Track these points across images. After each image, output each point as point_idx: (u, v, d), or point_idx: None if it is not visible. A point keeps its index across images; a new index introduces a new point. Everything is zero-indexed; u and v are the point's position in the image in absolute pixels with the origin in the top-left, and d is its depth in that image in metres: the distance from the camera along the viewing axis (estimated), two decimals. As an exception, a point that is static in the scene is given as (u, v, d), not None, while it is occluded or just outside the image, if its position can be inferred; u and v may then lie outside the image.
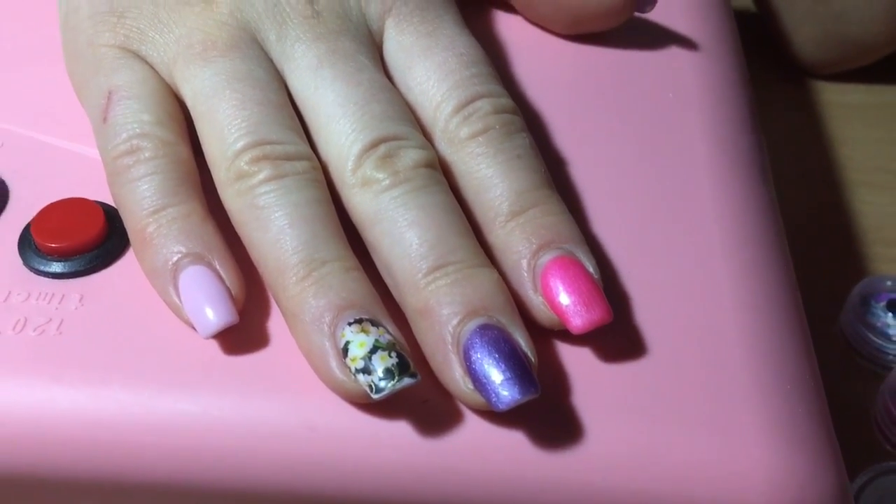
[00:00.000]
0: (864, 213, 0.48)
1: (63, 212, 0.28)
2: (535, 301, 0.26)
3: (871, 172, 0.50)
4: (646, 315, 0.27)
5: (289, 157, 0.27)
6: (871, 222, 0.47)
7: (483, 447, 0.24)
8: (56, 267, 0.27)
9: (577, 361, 0.26)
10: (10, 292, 0.27)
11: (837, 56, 0.52)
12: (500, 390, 0.23)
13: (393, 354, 0.24)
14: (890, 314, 0.42)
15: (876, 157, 0.51)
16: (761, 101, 0.41)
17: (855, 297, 0.42)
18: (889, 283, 0.43)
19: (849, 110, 0.54)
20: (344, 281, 0.25)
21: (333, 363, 0.24)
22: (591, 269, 0.26)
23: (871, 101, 0.54)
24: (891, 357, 0.41)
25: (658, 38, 0.36)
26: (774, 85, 0.54)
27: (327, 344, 0.24)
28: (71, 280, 0.27)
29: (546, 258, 0.26)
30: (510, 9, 0.36)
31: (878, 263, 0.45)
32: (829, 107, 0.54)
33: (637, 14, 0.35)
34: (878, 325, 0.41)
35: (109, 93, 0.28)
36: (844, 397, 0.40)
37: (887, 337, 0.41)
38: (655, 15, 0.36)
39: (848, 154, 0.51)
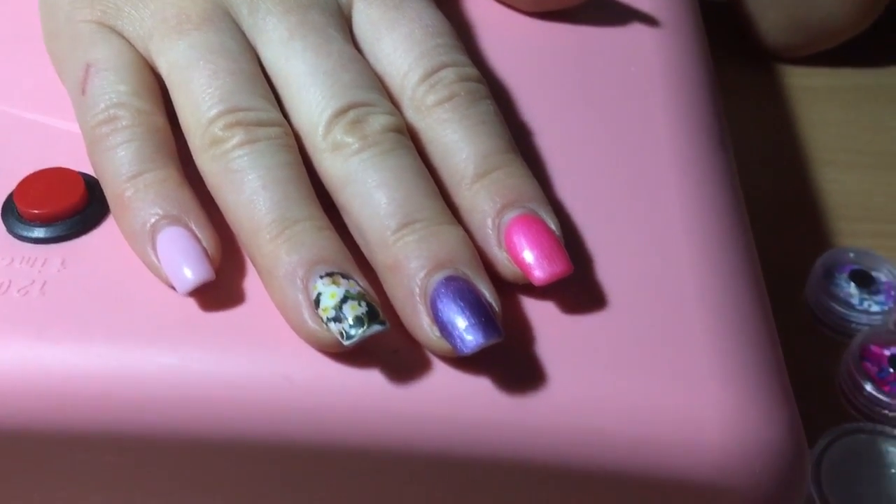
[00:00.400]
0: (829, 192, 0.49)
1: (44, 180, 0.29)
2: (500, 256, 0.27)
3: (835, 152, 0.52)
4: (606, 270, 0.28)
5: (261, 123, 0.27)
6: (837, 199, 0.49)
7: (451, 393, 0.25)
8: (38, 232, 0.28)
9: (541, 313, 0.27)
10: None
11: (802, 40, 0.54)
12: (464, 335, 0.24)
13: (362, 304, 0.25)
14: (852, 284, 0.43)
15: (840, 138, 0.52)
16: (728, 86, 0.42)
17: (819, 268, 0.43)
18: (852, 254, 0.44)
19: (814, 93, 0.55)
20: (316, 238, 0.26)
21: (306, 314, 0.25)
22: (552, 226, 0.27)
23: (836, 85, 0.55)
24: (854, 325, 0.42)
25: (621, 15, 0.37)
26: (741, 70, 0.55)
27: (300, 296, 0.25)
28: (53, 245, 0.28)
29: (510, 216, 0.27)
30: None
31: (841, 238, 0.47)
32: (795, 90, 0.55)
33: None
34: (842, 295, 0.43)
35: (87, 66, 0.29)
36: (810, 365, 0.41)
37: (850, 306, 0.42)
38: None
39: (813, 136, 0.52)
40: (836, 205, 0.49)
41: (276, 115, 0.28)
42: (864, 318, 0.42)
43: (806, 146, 0.52)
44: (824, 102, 0.55)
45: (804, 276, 0.44)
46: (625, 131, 0.32)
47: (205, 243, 0.27)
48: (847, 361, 0.40)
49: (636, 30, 0.36)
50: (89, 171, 0.29)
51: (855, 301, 0.42)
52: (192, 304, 0.27)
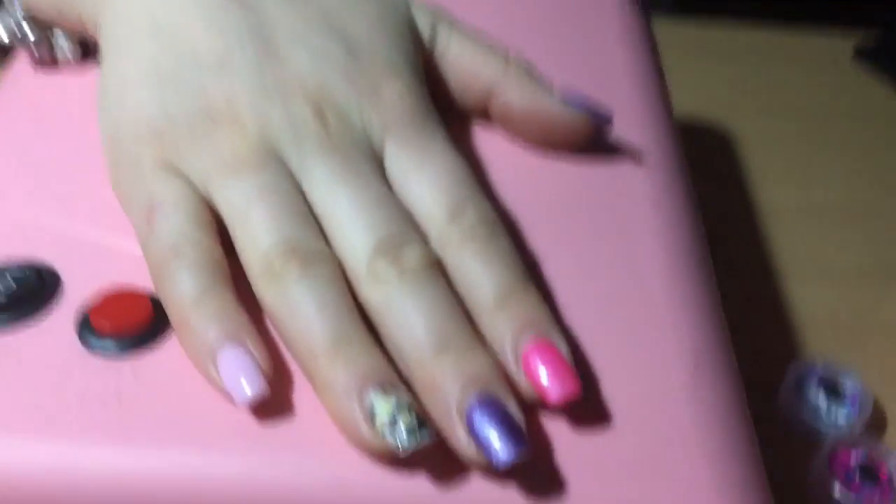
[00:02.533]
0: (794, 304, 0.52)
1: (114, 298, 0.32)
2: (518, 378, 0.30)
3: (803, 266, 0.55)
4: (610, 388, 0.31)
5: (313, 252, 0.31)
6: (804, 311, 0.52)
7: (485, 499, 0.28)
8: (110, 346, 0.31)
9: (555, 428, 0.30)
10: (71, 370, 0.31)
11: None
12: (498, 451, 0.28)
13: (412, 414, 0.28)
14: (821, 393, 0.46)
15: (809, 254, 0.56)
16: (704, 201, 0.45)
17: (791, 380, 0.46)
18: (819, 365, 0.47)
19: (782, 212, 0.58)
20: (368, 357, 0.29)
21: (363, 426, 0.28)
22: (563, 351, 0.30)
23: (802, 203, 0.59)
24: (822, 433, 0.45)
25: (617, 153, 0.41)
26: (711, 187, 0.59)
27: (357, 409, 0.28)
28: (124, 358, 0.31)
29: (526, 342, 0.30)
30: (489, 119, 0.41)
31: (809, 347, 0.50)
32: (766, 205, 0.59)
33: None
34: (812, 403, 0.45)
35: (153, 202, 0.32)
36: (782, 468, 0.43)
37: (819, 416, 0.45)
38: (616, 136, 0.41)
39: (777, 251, 0.56)
40: (802, 315, 0.52)
41: (325, 246, 0.31)
42: (831, 429, 0.44)
43: (775, 260, 0.55)
44: (792, 219, 0.58)
45: (773, 381, 0.46)
46: (622, 260, 0.36)
47: (260, 360, 0.30)
48: (817, 467, 0.43)
49: (629, 164, 0.40)
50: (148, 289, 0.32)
51: (823, 412, 0.45)
52: (249, 415, 0.30)
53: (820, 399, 0.46)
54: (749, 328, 0.50)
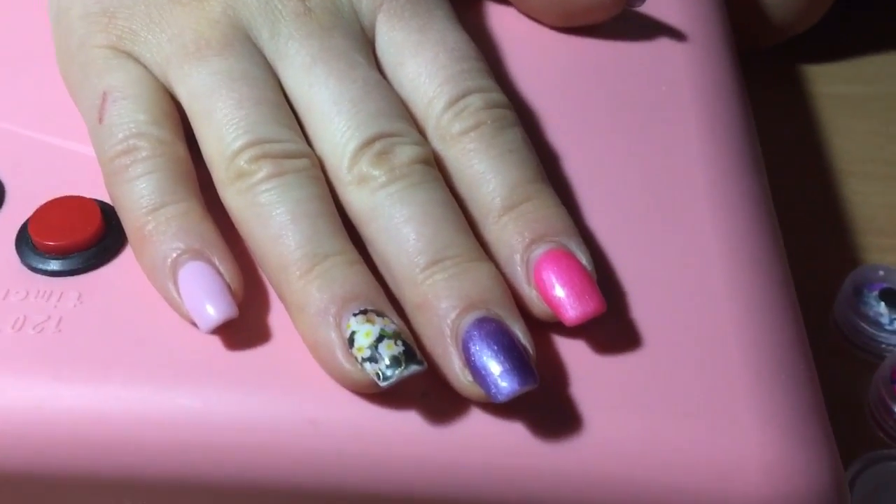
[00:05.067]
0: (856, 204, 0.48)
1: (60, 210, 0.28)
2: (530, 294, 0.26)
3: (862, 163, 0.51)
4: (640, 306, 0.27)
5: (288, 155, 0.27)
6: (864, 212, 0.48)
7: (483, 439, 0.25)
8: (54, 265, 0.27)
9: (574, 353, 0.26)
10: (8, 290, 0.27)
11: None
12: (499, 381, 0.24)
13: (399, 343, 0.24)
14: (882, 303, 0.42)
15: (867, 148, 0.52)
16: (752, 93, 0.41)
17: (848, 287, 0.42)
18: (881, 272, 0.43)
19: (839, 102, 0.54)
20: (347, 274, 0.25)
21: (340, 354, 0.24)
22: (584, 261, 0.27)
23: (862, 93, 0.55)
24: (884, 346, 0.41)
25: (650, 30, 0.36)
26: (765, 77, 0.55)
27: (333, 335, 0.25)
28: (69, 278, 0.27)
29: (539, 251, 0.26)
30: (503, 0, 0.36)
31: (870, 253, 0.46)
32: (820, 98, 0.54)
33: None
34: (871, 314, 0.42)
35: (104, 93, 0.29)
36: (839, 387, 0.40)
37: (880, 326, 0.41)
38: (648, 7, 0.36)
39: (839, 145, 0.52)
40: (863, 217, 0.48)
41: (302, 145, 0.28)
42: (894, 339, 0.41)
43: (832, 156, 0.51)
44: (850, 111, 0.54)
45: (831, 292, 0.43)
46: (657, 155, 0.31)
47: (227, 278, 0.26)
48: (877, 384, 0.39)
49: (666, 45, 0.36)
50: (105, 197, 0.28)
51: (885, 321, 0.42)
52: (214, 342, 0.26)
53: (881, 309, 0.42)
54: (803, 231, 0.46)
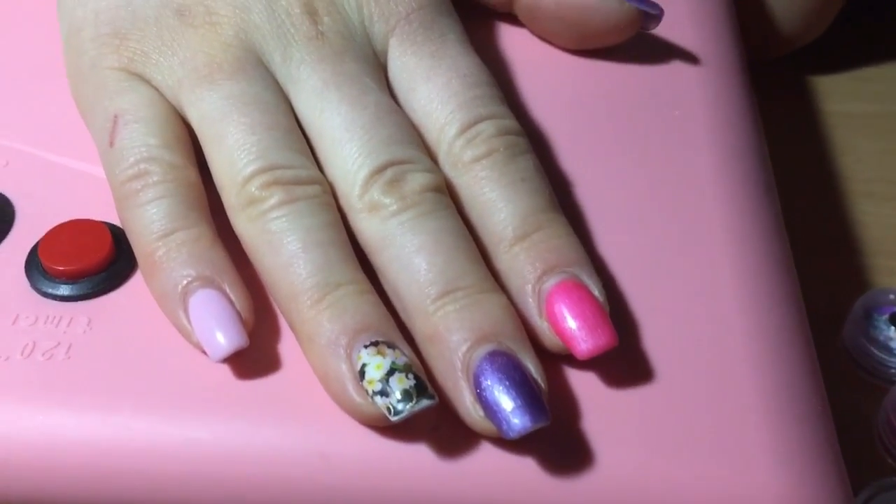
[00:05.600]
0: (865, 224, 0.48)
1: (70, 233, 0.28)
2: (541, 326, 0.26)
3: (872, 183, 0.50)
4: (653, 338, 0.27)
5: (299, 182, 0.27)
6: (873, 233, 0.48)
7: (494, 474, 0.24)
8: (64, 290, 0.27)
9: (585, 386, 0.26)
10: (17, 315, 0.27)
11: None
12: (510, 418, 0.23)
13: (410, 376, 0.24)
14: (892, 327, 0.42)
15: (878, 168, 0.51)
16: (762, 111, 0.41)
17: (858, 310, 0.42)
18: (892, 296, 0.43)
19: (851, 121, 0.54)
20: (358, 304, 0.25)
21: (350, 386, 0.24)
22: (596, 293, 0.26)
23: (873, 112, 0.54)
24: (893, 371, 0.41)
25: (664, 53, 0.36)
26: (776, 95, 0.54)
27: (344, 367, 0.24)
28: (79, 303, 0.27)
29: (550, 282, 0.26)
30: (516, 21, 0.36)
31: (880, 275, 0.45)
32: (831, 117, 0.54)
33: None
34: (881, 338, 0.41)
35: (115, 116, 0.29)
36: (847, 411, 0.40)
37: (890, 350, 0.41)
38: (661, 30, 0.36)
39: (849, 165, 0.51)
40: (873, 239, 0.47)
41: (314, 172, 0.27)
42: None
43: (841, 176, 0.51)
44: (861, 130, 0.53)
45: (840, 314, 0.43)
46: (670, 183, 0.31)
47: (238, 306, 0.26)
48: (886, 409, 0.39)
49: (679, 68, 0.35)
50: (116, 220, 0.28)
51: (895, 345, 0.41)
52: (224, 371, 0.26)
53: (891, 333, 0.42)
54: (811, 252, 0.45)
